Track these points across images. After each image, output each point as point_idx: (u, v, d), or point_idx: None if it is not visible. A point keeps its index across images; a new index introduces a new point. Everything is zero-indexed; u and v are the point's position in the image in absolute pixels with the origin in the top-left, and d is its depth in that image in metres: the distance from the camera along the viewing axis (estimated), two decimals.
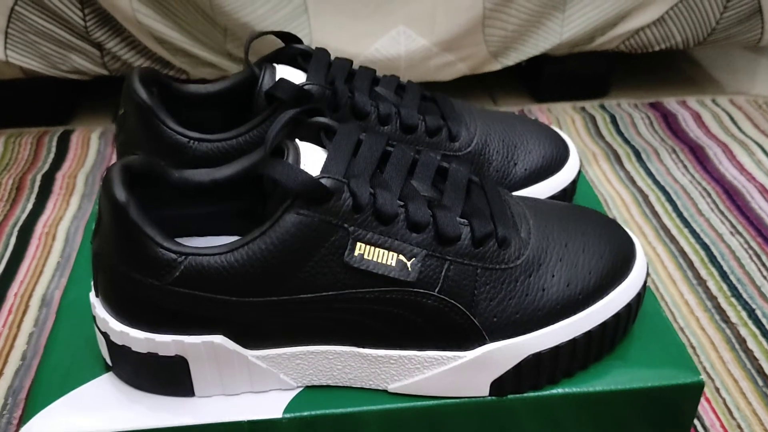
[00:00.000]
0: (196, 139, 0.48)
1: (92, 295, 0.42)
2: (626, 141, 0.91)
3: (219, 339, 0.40)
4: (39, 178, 0.85)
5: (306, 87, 0.47)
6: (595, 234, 0.45)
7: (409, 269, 0.40)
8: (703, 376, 0.62)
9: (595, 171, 0.86)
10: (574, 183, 0.54)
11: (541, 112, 0.96)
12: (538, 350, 0.42)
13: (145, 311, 0.40)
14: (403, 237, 0.40)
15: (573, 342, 0.43)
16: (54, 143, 0.91)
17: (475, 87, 1.02)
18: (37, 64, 0.85)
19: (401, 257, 0.40)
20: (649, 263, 0.73)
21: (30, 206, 0.81)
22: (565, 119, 0.95)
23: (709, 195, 0.82)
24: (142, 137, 0.49)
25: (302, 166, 0.40)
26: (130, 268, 0.39)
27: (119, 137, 0.50)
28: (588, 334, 0.43)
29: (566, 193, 0.54)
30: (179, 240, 0.46)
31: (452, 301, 0.41)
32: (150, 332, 0.40)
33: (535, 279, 0.42)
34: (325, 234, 0.39)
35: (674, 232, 0.77)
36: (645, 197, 0.82)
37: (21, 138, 0.92)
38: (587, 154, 0.89)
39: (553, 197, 0.53)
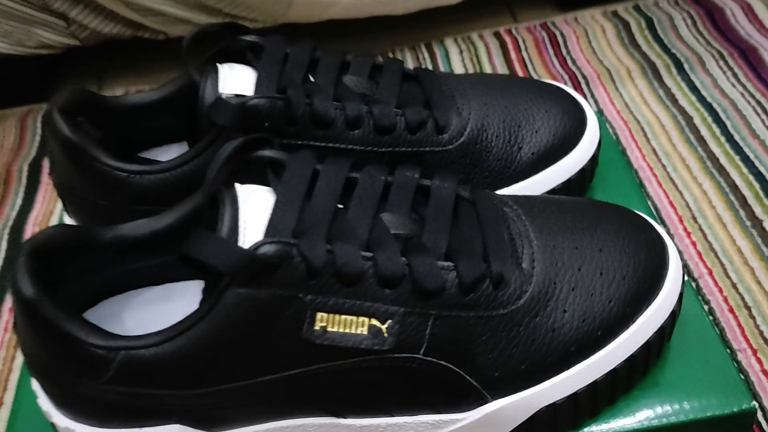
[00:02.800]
0: (136, 173, 0.41)
1: (33, 380, 0.37)
2: (665, 49, 0.79)
3: (176, 429, 0.35)
4: (26, 167, 0.79)
5: (250, 104, 0.39)
6: (616, 247, 0.37)
7: (385, 335, 0.33)
8: (761, 341, 0.55)
9: (630, 92, 0.76)
10: (593, 159, 0.45)
11: (568, 24, 0.85)
12: (552, 401, 0.35)
13: (90, 407, 0.35)
14: (374, 296, 0.33)
15: (594, 385, 0.36)
16: (38, 124, 0.85)
17: (493, 1, 0.90)
18: (2, 44, 0.78)
19: (374, 322, 0.33)
20: (694, 202, 0.64)
21: (19, 202, 0.76)
22: (594, 30, 0.83)
23: (765, 111, 0.71)
24: (75, 176, 0.42)
25: (242, 225, 0.33)
26: (60, 368, 0.34)
27: (53, 175, 0.44)
28: (612, 373, 0.36)
29: (585, 174, 0.45)
30: (142, 290, 0.40)
31: (442, 363, 0.34)
32: (99, 427, 0.35)
33: (543, 319, 0.35)
34: (276, 309, 0.32)
35: (723, 161, 0.67)
36: (689, 119, 0.72)
37: (4, 122, 0.86)
38: (620, 72, 0.78)
39: (569, 182, 0.45)
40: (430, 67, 0.83)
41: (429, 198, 0.37)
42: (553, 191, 0.44)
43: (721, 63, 0.76)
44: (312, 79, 0.43)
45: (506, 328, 0.35)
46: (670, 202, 0.65)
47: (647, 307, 0.37)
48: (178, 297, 0.41)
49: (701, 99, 0.73)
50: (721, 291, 0.58)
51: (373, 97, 0.42)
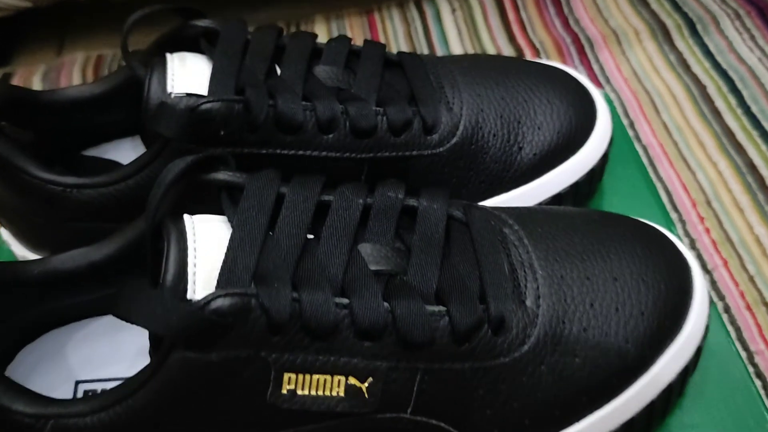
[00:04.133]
0: (72, 186, 0.35)
1: None
2: (676, 7, 0.72)
3: None
4: None
5: (202, 109, 0.33)
6: (633, 276, 0.32)
7: (366, 395, 0.28)
8: None
9: (639, 56, 0.69)
10: (605, 157, 0.40)
11: None
12: None
13: None
14: (352, 351, 0.28)
15: None
16: None
17: None
18: None
19: (352, 381, 0.28)
20: (709, 185, 0.59)
21: None
22: None
23: None
24: (4, 191, 0.36)
25: (191, 269, 0.27)
26: None
27: None
28: (629, 424, 0.31)
29: (594, 175, 0.40)
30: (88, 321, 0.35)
31: (432, 421, 0.29)
32: None
33: (550, 366, 0.30)
34: (233, 373, 0.27)
35: (741, 137, 0.61)
36: (702, 89, 0.65)
37: None
38: (628, 33, 0.71)
39: (576, 186, 0.39)
40: (419, 28, 0.76)
41: (415, 222, 0.31)
42: (557, 196, 0.39)
43: (737, 23, 0.70)
44: (278, 71, 0.36)
45: (507, 379, 0.29)
46: (683, 185, 0.59)
47: (669, 346, 0.31)
48: (128, 327, 0.36)
49: (716, 65, 0.67)
50: (737, 285, 0.53)
51: (349, 92, 0.36)
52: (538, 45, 0.72)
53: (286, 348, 0.27)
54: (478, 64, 0.40)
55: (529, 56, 0.71)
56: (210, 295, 0.26)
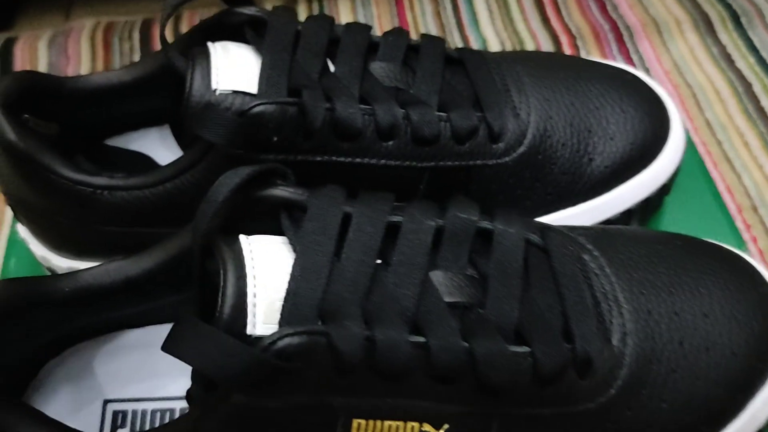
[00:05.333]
0: (104, 188, 0.32)
1: None
2: None
3: None
4: None
5: (253, 113, 0.29)
6: (724, 312, 0.29)
7: None
8: None
9: (680, 48, 0.66)
10: (675, 173, 0.37)
11: None
12: None
13: None
14: (425, 394, 0.25)
15: None
16: None
17: None
18: None
19: (426, 427, 0.25)
20: (755, 188, 0.56)
21: None
22: None
23: None
24: (27, 190, 0.32)
25: (251, 300, 0.24)
26: None
27: (2, 184, 0.34)
28: None
29: (665, 190, 0.37)
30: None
31: None
32: None
33: (636, 411, 0.27)
34: (295, 420, 0.24)
35: None
36: (747, 86, 0.62)
37: None
38: (669, 23, 0.68)
39: (647, 201, 0.36)
40: (449, 7, 0.72)
41: (491, 248, 0.28)
42: (627, 212, 0.36)
43: None
44: (331, 67, 0.33)
45: (592, 426, 0.27)
46: (727, 188, 0.56)
47: (761, 389, 0.29)
48: (160, 342, 0.33)
49: (761, 61, 0.64)
50: None
51: (408, 94, 0.33)
52: (574, 31, 0.68)
53: (355, 392, 0.24)
54: (544, 64, 0.37)
55: (565, 43, 0.68)
56: (275, 333, 0.23)
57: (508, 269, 0.27)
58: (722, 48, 0.65)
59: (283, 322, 0.24)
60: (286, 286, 0.25)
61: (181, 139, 0.39)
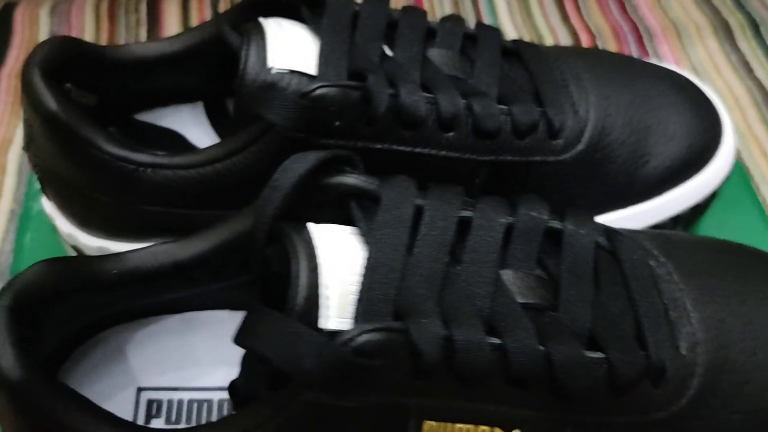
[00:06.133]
0: (148, 165, 0.30)
1: None
2: (739, 5, 0.69)
3: None
4: None
5: (316, 95, 0.28)
6: None
7: None
8: None
9: (699, 53, 0.66)
10: (725, 179, 0.36)
11: None
12: None
13: None
14: (499, 398, 0.24)
15: None
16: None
17: None
18: None
19: (498, 431, 0.24)
20: None
21: None
22: None
23: None
24: (63, 163, 0.31)
25: (324, 292, 0.23)
26: None
27: (31, 156, 0.32)
28: None
29: (713, 196, 0.36)
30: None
31: None
32: None
33: (706, 420, 0.26)
34: (367, 420, 0.23)
35: None
36: (765, 95, 0.62)
37: None
38: (688, 28, 0.67)
39: (696, 208, 0.35)
40: None
41: (560, 248, 0.27)
42: (677, 217, 0.35)
43: None
44: (389, 52, 0.32)
45: None
46: None
47: None
48: (200, 328, 0.32)
49: None
50: None
51: (468, 84, 0.31)
52: (594, 29, 0.68)
53: (430, 393, 0.23)
54: (600, 61, 0.36)
55: (584, 41, 0.67)
56: (354, 329, 0.22)
57: (579, 271, 0.26)
58: (741, 56, 0.65)
59: (358, 318, 0.23)
60: (357, 279, 0.24)
61: (214, 119, 0.38)
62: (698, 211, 0.36)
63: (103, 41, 0.71)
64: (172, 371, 0.31)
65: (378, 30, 0.31)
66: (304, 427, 0.22)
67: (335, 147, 0.28)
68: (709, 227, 0.38)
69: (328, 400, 0.22)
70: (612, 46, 0.67)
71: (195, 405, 0.31)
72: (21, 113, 0.64)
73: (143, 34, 0.71)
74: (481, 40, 0.34)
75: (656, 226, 0.35)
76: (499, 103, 0.31)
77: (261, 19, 0.31)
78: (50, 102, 0.29)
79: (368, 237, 0.24)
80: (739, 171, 0.41)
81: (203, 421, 0.30)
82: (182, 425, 0.30)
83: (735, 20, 0.68)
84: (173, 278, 0.28)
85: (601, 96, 0.34)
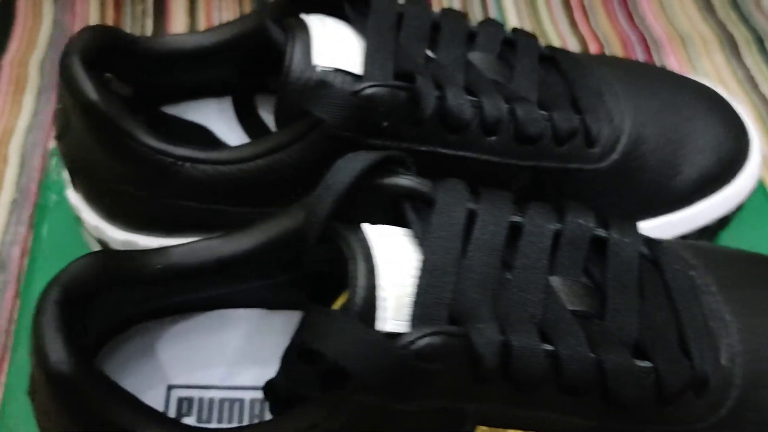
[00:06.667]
0: (186, 159, 0.30)
1: None
2: (743, 19, 0.70)
3: None
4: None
5: (366, 94, 0.28)
6: None
7: None
8: None
9: (705, 66, 0.66)
10: (752, 191, 0.36)
11: None
12: None
13: None
14: (551, 405, 0.24)
15: None
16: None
17: None
18: None
19: None
20: None
21: None
22: None
23: None
24: (98, 153, 0.30)
25: (381, 294, 0.23)
26: None
27: (63, 145, 0.32)
28: None
29: (740, 208, 0.36)
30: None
31: None
32: None
33: None
34: (422, 425, 0.23)
35: None
36: None
37: None
38: (695, 40, 0.68)
39: (723, 220, 0.36)
40: (476, 2, 0.71)
41: (605, 257, 0.27)
42: (705, 229, 0.35)
43: None
44: (430, 54, 0.32)
45: None
46: None
47: None
48: (231, 327, 0.31)
49: None
50: None
51: (509, 89, 0.31)
52: (602, 38, 0.68)
53: (484, 398, 0.23)
54: (632, 70, 0.36)
55: (593, 49, 0.68)
56: (415, 332, 0.22)
57: (625, 280, 0.26)
58: (747, 71, 0.66)
59: (414, 321, 0.23)
60: (412, 281, 0.23)
61: (241, 115, 0.37)
62: (724, 222, 0.36)
63: None
64: (203, 369, 0.30)
65: (422, 31, 0.31)
66: (358, 430, 0.22)
67: (381, 147, 0.28)
68: (729, 239, 0.39)
69: (386, 404, 0.22)
70: (620, 55, 0.67)
71: (226, 404, 0.30)
72: (23, 102, 0.64)
73: (149, 25, 0.70)
74: (519, 45, 0.34)
75: (684, 237, 0.35)
76: (540, 109, 0.31)
77: (304, 16, 0.31)
78: (90, 91, 0.28)
79: (423, 240, 0.24)
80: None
81: (235, 421, 0.30)
82: (213, 424, 0.30)
83: (740, 34, 0.68)
84: (214, 275, 0.27)
85: (635, 105, 0.34)
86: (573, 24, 0.70)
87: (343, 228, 0.24)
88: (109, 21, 0.70)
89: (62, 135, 0.31)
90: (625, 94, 0.34)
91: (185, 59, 0.33)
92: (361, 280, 0.23)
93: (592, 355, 0.24)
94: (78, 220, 0.36)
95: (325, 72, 0.29)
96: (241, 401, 0.30)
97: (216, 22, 0.71)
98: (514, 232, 0.26)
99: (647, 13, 0.71)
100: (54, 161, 0.41)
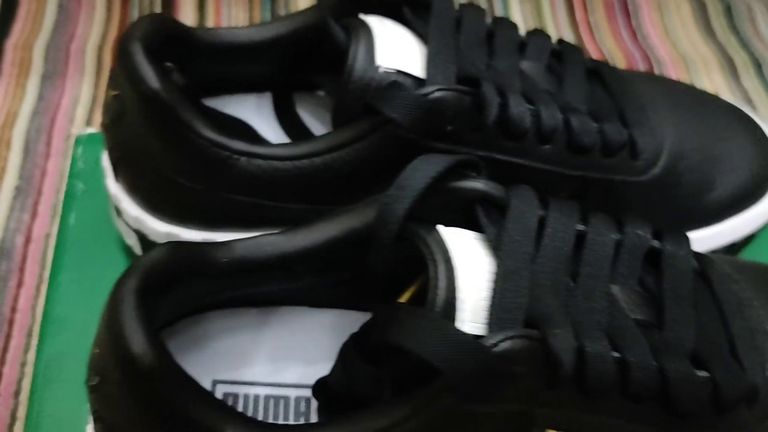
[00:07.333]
0: (243, 153, 0.30)
1: None
2: (743, 43, 0.72)
3: None
4: None
5: (434, 96, 0.28)
6: None
7: None
8: None
9: (706, 86, 0.68)
10: None
11: None
12: None
13: None
14: (615, 411, 0.24)
15: None
16: None
17: None
18: None
19: None
20: None
21: None
22: (667, 4, 0.74)
23: None
24: (155, 144, 0.30)
25: (460, 296, 0.23)
26: None
27: (113, 134, 0.31)
28: None
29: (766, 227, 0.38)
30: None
31: None
32: None
33: None
34: (496, 429, 0.23)
35: None
36: None
37: None
38: (696, 62, 0.70)
39: (749, 237, 0.37)
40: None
41: (660, 268, 0.28)
42: (732, 246, 0.37)
43: None
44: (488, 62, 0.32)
45: None
46: None
47: None
48: (277, 324, 0.31)
49: None
50: None
51: (562, 99, 0.32)
52: (607, 54, 0.69)
53: (555, 403, 0.23)
54: (670, 88, 0.37)
55: None
56: (498, 334, 0.22)
57: (681, 291, 0.27)
58: (745, 93, 0.68)
59: (491, 324, 0.23)
60: (487, 284, 0.24)
61: (279, 112, 0.37)
62: (750, 239, 0.37)
63: (115, 20, 0.69)
64: (248, 365, 0.30)
65: (480, 37, 0.32)
66: (435, 430, 0.22)
67: (442, 151, 0.28)
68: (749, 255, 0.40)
69: (465, 405, 0.22)
70: None
71: (272, 401, 0.30)
72: (27, 87, 0.62)
73: None
74: (567, 57, 0.34)
75: (713, 252, 0.36)
76: (590, 112, 0.32)
77: (364, 16, 0.31)
78: (153, 80, 0.28)
79: (498, 244, 0.24)
80: None
81: (280, 418, 0.30)
82: None
83: (739, 58, 0.70)
84: (273, 271, 0.27)
85: (675, 122, 0.35)
86: (579, 39, 0.71)
87: (420, 229, 0.24)
88: (116, 10, 0.70)
89: (114, 123, 0.31)
90: (666, 110, 0.35)
91: (237, 52, 0.33)
92: (442, 282, 0.23)
93: (655, 363, 0.25)
94: (112, 210, 0.35)
95: (387, 73, 0.29)
96: (286, 398, 0.30)
97: (225, 17, 0.70)
98: (578, 240, 0.26)
99: (651, 33, 0.72)
100: (80, 149, 0.41)
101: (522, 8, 0.73)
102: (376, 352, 0.25)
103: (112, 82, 0.30)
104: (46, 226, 0.54)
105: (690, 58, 0.70)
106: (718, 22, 0.73)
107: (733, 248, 0.37)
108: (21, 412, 0.46)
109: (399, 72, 0.29)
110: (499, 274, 0.24)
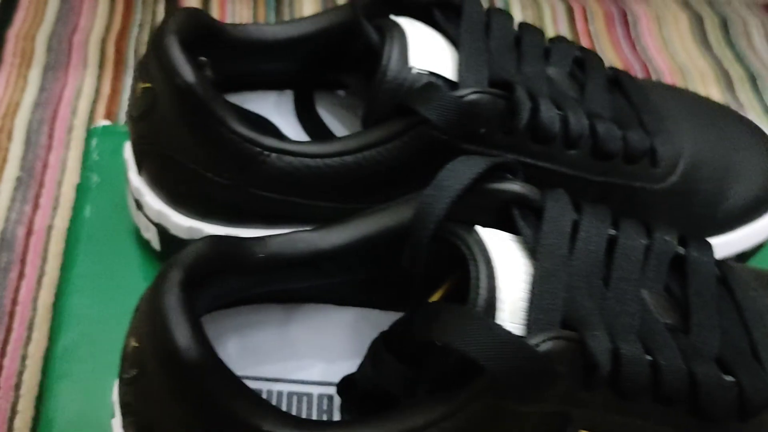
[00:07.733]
0: (273, 150, 0.30)
1: None
2: (738, 57, 0.73)
3: None
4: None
5: (470, 99, 0.28)
6: None
7: None
8: None
9: None
10: None
11: (638, 4, 0.76)
12: None
13: None
14: (646, 412, 0.25)
15: None
16: None
17: None
18: None
19: None
20: None
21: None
22: (665, 17, 0.75)
23: None
24: (187, 138, 0.30)
25: (500, 295, 0.23)
26: None
27: (141, 126, 0.31)
28: None
29: None
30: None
31: None
32: None
33: None
34: (533, 428, 0.23)
35: None
36: None
37: None
38: (693, 74, 0.71)
39: (758, 247, 0.37)
40: None
41: (685, 274, 0.28)
42: (742, 254, 0.37)
43: None
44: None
45: None
46: None
47: None
48: (301, 321, 0.31)
49: None
50: None
51: (587, 105, 0.33)
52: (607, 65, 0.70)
53: (591, 404, 0.24)
54: (686, 98, 0.38)
55: None
56: (540, 335, 0.22)
57: (705, 297, 0.28)
58: (740, 105, 0.69)
59: (530, 324, 0.23)
60: (524, 285, 0.24)
61: (300, 110, 0.37)
62: (759, 248, 0.38)
63: (118, 13, 0.68)
64: (271, 362, 0.30)
65: (509, 42, 0.32)
66: (474, 430, 0.23)
67: (474, 153, 0.29)
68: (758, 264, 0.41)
69: (506, 405, 0.22)
70: None
71: (294, 398, 0.30)
72: (29, 77, 0.62)
73: (160, 10, 0.69)
74: (589, 64, 0.35)
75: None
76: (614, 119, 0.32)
77: (395, 18, 0.31)
78: (188, 74, 0.28)
79: (535, 245, 0.25)
80: None
81: (303, 415, 0.30)
82: None
83: (735, 72, 0.72)
84: (305, 268, 0.27)
85: (693, 131, 0.36)
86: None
87: (460, 228, 0.25)
88: (120, 2, 0.69)
89: (144, 116, 0.30)
90: (683, 119, 0.36)
91: (264, 49, 0.33)
92: (483, 281, 0.23)
93: (685, 367, 0.25)
94: (131, 203, 0.35)
95: (420, 74, 0.29)
96: (309, 396, 0.30)
97: (229, 14, 0.70)
98: (610, 245, 0.27)
99: (649, 44, 0.73)
100: (94, 141, 0.40)
101: (524, 17, 0.73)
102: (410, 351, 0.25)
103: (143, 75, 0.30)
104: (47, 217, 0.53)
105: (687, 70, 0.71)
106: (714, 36, 0.75)
107: (743, 257, 0.38)
108: (21, 405, 0.45)
109: (431, 74, 0.30)
110: (537, 275, 0.24)
